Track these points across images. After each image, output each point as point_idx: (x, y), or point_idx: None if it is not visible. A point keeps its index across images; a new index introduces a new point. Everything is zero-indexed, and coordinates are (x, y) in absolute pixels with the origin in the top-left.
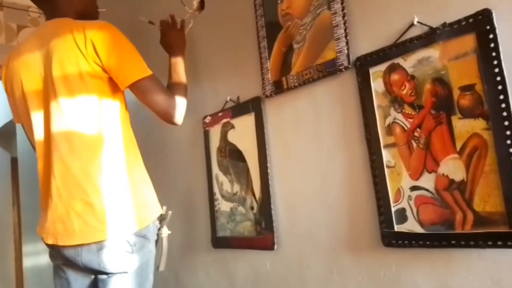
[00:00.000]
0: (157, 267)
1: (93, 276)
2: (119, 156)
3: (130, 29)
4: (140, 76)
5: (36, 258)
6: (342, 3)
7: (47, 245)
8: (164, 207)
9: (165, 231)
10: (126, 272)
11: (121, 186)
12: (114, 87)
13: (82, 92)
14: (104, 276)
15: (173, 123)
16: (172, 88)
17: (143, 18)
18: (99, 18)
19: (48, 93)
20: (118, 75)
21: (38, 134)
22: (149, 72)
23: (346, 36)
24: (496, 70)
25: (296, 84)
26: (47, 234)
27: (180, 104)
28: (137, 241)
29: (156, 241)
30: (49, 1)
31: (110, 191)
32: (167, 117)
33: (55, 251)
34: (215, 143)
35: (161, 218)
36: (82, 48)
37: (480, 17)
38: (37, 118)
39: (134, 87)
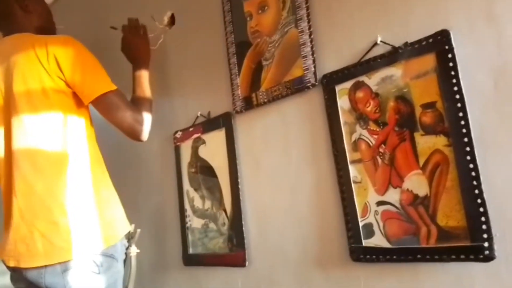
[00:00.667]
0: (125, 287)
1: None
2: (85, 173)
3: (96, 41)
4: (104, 90)
5: (5, 278)
6: (308, 22)
7: (8, 268)
8: (133, 225)
9: (134, 250)
10: None
11: (87, 204)
12: (78, 102)
13: (45, 108)
14: None
15: (139, 140)
16: (136, 103)
17: (114, 26)
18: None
19: (9, 109)
20: (82, 89)
21: None
22: (113, 87)
23: (313, 54)
24: (455, 88)
25: (265, 100)
26: (8, 256)
27: (146, 120)
28: (104, 261)
29: (125, 261)
30: (6, 17)
31: (76, 209)
32: (133, 134)
33: (17, 274)
34: (186, 158)
35: (129, 237)
36: (44, 63)
37: (439, 37)
38: None
39: (98, 102)
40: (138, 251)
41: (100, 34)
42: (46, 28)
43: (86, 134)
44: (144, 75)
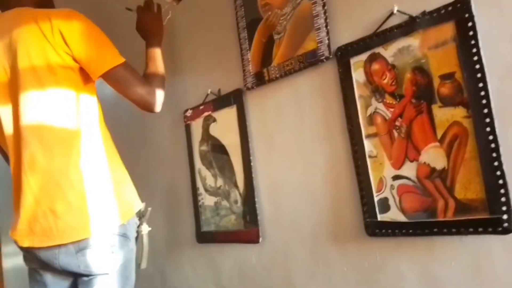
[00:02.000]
0: (138, 265)
1: (72, 279)
2: (97, 152)
3: (106, 19)
4: (113, 64)
5: (17, 259)
6: None
7: (21, 248)
8: (143, 204)
9: (145, 228)
10: (107, 273)
11: (102, 182)
12: (86, 78)
13: (52, 84)
14: (84, 278)
15: (152, 111)
16: (149, 77)
17: (129, 7)
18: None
19: (15, 87)
20: (89, 64)
21: (7, 130)
22: (122, 60)
23: (326, 26)
24: (475, 58)
25: (277, 76)
26: (21, 236)
27: (158, 91)
28: (117, 240)
29: (136, 238)
30: None
31: (90, 187)
32: (145, 105)
33: (30, 254)
34: (197, 137)
35: (140, 215)
36: (49, 37)
37: (458, 5)
38: (4, 113)
39: (107, 76)
40: (150, 229)
41: (108, 12)
42: (46, 2)
43: (97, 111)
44: (157, 51)
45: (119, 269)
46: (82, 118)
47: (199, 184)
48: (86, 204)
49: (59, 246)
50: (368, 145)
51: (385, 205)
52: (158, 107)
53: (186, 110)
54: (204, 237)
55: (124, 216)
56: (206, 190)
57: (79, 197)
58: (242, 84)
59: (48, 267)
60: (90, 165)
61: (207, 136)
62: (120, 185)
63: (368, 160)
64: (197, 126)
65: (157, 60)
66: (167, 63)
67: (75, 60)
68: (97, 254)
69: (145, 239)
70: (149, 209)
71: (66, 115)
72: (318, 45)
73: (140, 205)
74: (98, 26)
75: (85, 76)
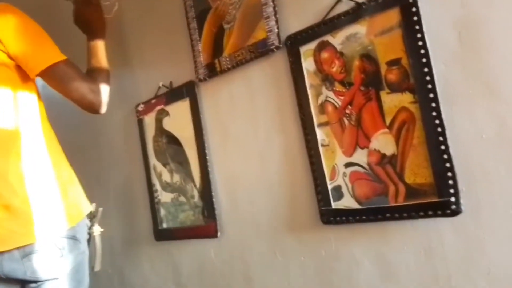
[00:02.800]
0: (92, 268)
1: (18, 286)
2: (40, 152)
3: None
4: (52, 60)
5: None
6: None
7: None
8: (94, 204)
9: (97, 229)
10: (57, 278)
11: (46, 185)
12: (24, 76)
13: None
14: (32, 285)
15: (97, 112)
16: (92, 74)
17: None
18: None
19: None
20: (26, 61)
21: None
22: (62, 57)
23: (275, 15)
24: (420, 43)
25: (229, 66)
26: None
27: (103, 90)
28: (66, 243)
29: (89, 240)
30: None
31: (32, 190)
32: (89, 106)
33: None
34: (150, 132)
35: (91, 216)
36: None
37: None
38: None
39: (46, 74)
40: (102, 230)
41: (46, 5)
42: None
43: (38, 110)
44: (99, 45)
45: (70, 273)
46: (21, 118)
47: (154, 180)
48: (30, 207)
49: (2, 253)
50: (320, 134)
51: (338, 193)
52: (103, 107)
53: (138, 105)
54: (162, 235)
55: (72, 220)
56: (162, 186)
57: (21, 201)
58: (194, 76)
59: None
60: (32, 167)
61: (160, 131)
62: (66, 187)
63: (321, 149)
64: (150, 121)
65: (100, 55)
66: (115, 56)
67: (10, 57)
68: (44, 258)
69: (98, 241)
70: (100, 209)
71: (2, 116)
72: (268, 34)
73: (89, 207)
74: (37, 20)
75: (23, 74)
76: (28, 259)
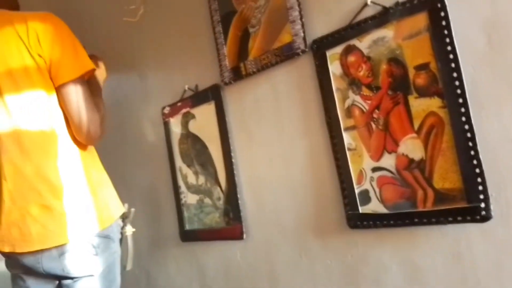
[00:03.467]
0: (124, 267)
1: (57, 282)
2: (74, 155)
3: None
4: (82, 71)
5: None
6: None
7: (3, 254)
8: (126, 205)
9: (129, 229)
10: (92, 275)
11: (80, 186)
12: None
13: (28, 87)
14: (69, 281)
15: (91, 143)
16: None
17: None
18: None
19: None
20: (57, 69)
21: None
22: (92, 66)
23: (301, 19)
24: (449, 48)
25: (254, 70)
26: (2, 241)
27: (101, 127)
28: (100, 242)
29: (121, 240)
30: None
31: (69, 191)
32: (89, 134)
33: (12, 259)
34: (176, 134)
35: (124, 216)
36: (25, 39)
37: None
38: None
39: (69, 85)
40: (134, 230)
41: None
42: (14, 5)
43: None
44: (98, 91)
45: (103, 271)
46: (56, 120)
47: (180, 182)
48: (64, 209)
49: (42, 251)
50: (347, 138)
51: (366, 197)
52: (96, 141)
53: (164, 107)
54: (188, 236)
55: (103, 222)
56: (188, 188)
57: (57, 202)
58: (219, 79)
59: (32, 272)
60: (68, 169)
61: (186, 133)
62: (100, 188)
63: (348, 153)
64: (176, 123)
65: (101, 101)
66: (140, 59)
67: (45, 62)
68: (79, 256)
69: (130, 241)
70: (133, 209)
71: (41, 118)
72: (294, 38)
73: (121, 209)
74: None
75: None
76: (65, 257)
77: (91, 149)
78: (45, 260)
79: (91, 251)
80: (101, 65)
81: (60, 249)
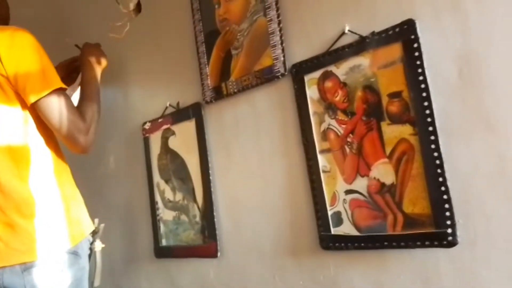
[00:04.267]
0: (92, 283)
1: None
2: (47, 170)
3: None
4: (50, 89)
5: None
6: (277, 10)
7: None
8: (96, 220)
9: (98, 245)
10: None
11: (52, 202)
12: None
13: (2, 101)
14: None
15: (81, 152)
16: (83, 110)
17: (69, 39)
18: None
19: None
20: (24, 88)
21: None
22: (61, 85)
23: (282, 43)
24: (421, 77)
25: (235, 90)
26: None
27: (92, 132)
28: (66, 258)
29: (90, 256)
30: None
31: (40, 208)
32: (73, 142)
33: None
34: (155, 150)
35: (93, 232)
36: None
37: (405, 26)
38: None
39: (41, 103)
40: (103, 246)
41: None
42: (2, 18)
43: (46, 128)
44: (96, 83)
45: (69, 287)
46: (29, 136)
47: (157, 197)
48: (33, 226)
49: (3, 267)
50: (322, 160)
51: (338, 219)
52: (89, 149)
53: (145, 123)
54: (163, 252)
55: (74, 239)
56: (164, 204)
57: (24, 220)
58: (201, 97)
59: None
60: (40, 185)
61: (166, 150)
62: (73, 204)
63: (322, 175)
64: (155, 139)
65: (95, 93)
66: (125, 75)
67: (9, 82)
68: (44, 273)
69: (98, 256)
70: (102, 225)
71: (11, 134)
72: (274, 61)
73: (91, 227)
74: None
75: None
76: (29, 273)
77: (64, 164)
78: (7, 275)
79: (57, 267)
80: (100, 57)
81: (24, 265)
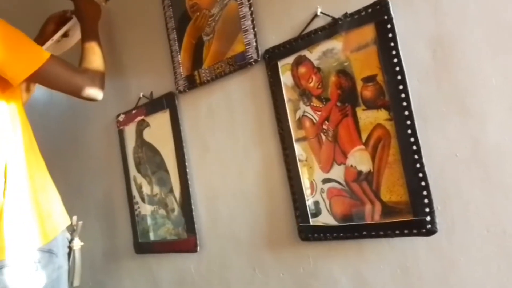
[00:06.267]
0: (71, 283)
1: None
2: (15, 161)
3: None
4: (36, 65)
5: None
6: None
7: None
8: (74, 217)
9: (77, 243)
10: None
11: (21, 197)
12: (4, 85)
13: None
14: None
15: (93, 99)
16: (84, 64)
17: None
18: None
19: None
20: (6, 71)
21: None
22: (44, 58)
23: (253, 28)
24: (395, 60)
25: (208, 79)
26: None
27: (95, 78)
28: (41, 257)
29: (69, 254)
30: None
31: (7, 204)
32: (82, 95)
33: None
34: (131, 142)
35: (72, 229)
36: None
37: (378, 7)
38: None
39: (34, 78)
40: (82, 243)
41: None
42: None
43: (18, 119)
44: (93, 32)
45: None
46: (2, 125)
47: (134, 192)
48: (1, 223)
49: None
50: (298, 149)
51: (316, 209)
52: (98, 95)
53: (119, 115)
54: (142, 248)
55: (46, 236)
56: (142, 198)
57: None
58: (174, 87)
59: None
60: (10, 180)
61: (141, 142)
62: (43, 197)
63: (299, 164)
64: (130, 132)
65: (95, 48)
66: None
67: None
68: (18, 272)
69: (77, 255)
70: (80, 222)
71: None
72: (247, 47)
73: (67, 221)
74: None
75: (3, 83)
76: (2, 273)
77: (36, 155)
78: None
79: (31, 266)
80: (94, 10)
81: None
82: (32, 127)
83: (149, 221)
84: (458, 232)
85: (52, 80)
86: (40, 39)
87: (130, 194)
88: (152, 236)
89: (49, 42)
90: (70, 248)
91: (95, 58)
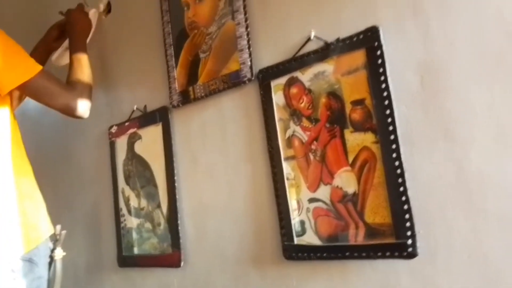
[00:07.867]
0: None
1: None
2: (4, 172)
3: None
4: (27, 76)
5: None
6: (245, 14)
7: None
8: (58, 226)
9: (59, 253)
10: None
11: (6, 203)
12: None
13: None
14: None
15: (77, 117)
16: (72, 81)
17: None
18: None
19: None
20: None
21: None
22: (35, 71)
23: (249, 48)
24: (383, 85)
25: (202, 95)
26: None
27: (83, 95)
28: (21, 266)
29: (50, 264)
30: None
31: None
32: (71, 113)
33: None
34: (121, 155)
35: (55, 239)
36: None
37: (369, 33)
38: None
39: (23, 89)
40: (65, 253)
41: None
42: None
43: (7, 128)
44: (81, 47)
45: None
46: None
47: (122, 204)
48: None
49: None
50: (287, 168)
51: (301, 228)
52: (85, 113)
53: (111, 127)
54: (126, 261)
55: (29, 244)
56: (129, 211)
57: None
58: (168, 101)
59: None
60: None
61: (132, 154)
62: (29, 204)
63: (286, 182)
64: (122, 144)
65: (83, 62)
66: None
67: None
68: None
69: (59, 265)
70: (64, 232)
71: None
72: (241, 66)
73: (51, 230)
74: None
75: None
76: None
77: (24, 162)
78: None
79: (9, 276)
80: (84, 23)
81: None
82: (23, 134)
83: (134, 234)
84: (440, 257)
85: (40, 94)
86: (43, 45)
87: (117, 206)
88: (136, 250)
89: (59, 50)
90: (51, 257)
91: (83, 73)
